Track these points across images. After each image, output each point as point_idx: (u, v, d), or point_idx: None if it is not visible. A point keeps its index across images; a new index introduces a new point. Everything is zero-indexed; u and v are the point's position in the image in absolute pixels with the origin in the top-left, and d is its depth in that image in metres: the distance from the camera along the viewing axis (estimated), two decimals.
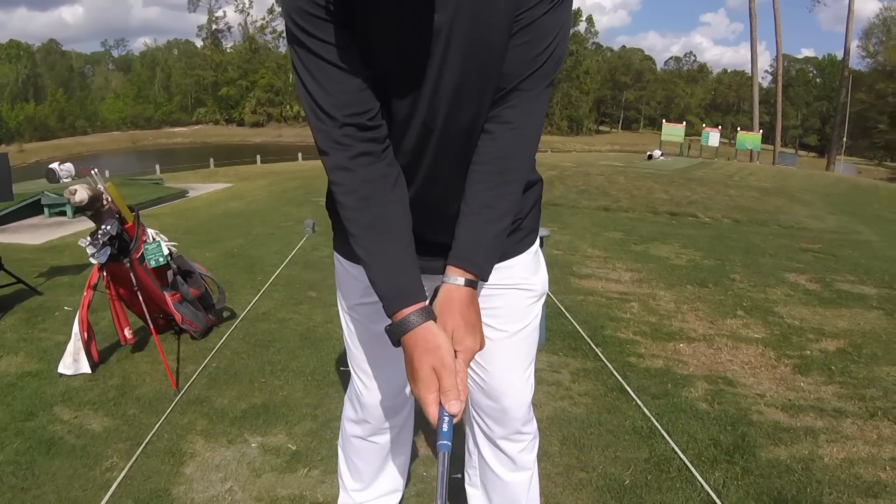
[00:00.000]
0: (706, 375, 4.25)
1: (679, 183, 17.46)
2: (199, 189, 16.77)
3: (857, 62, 67.50)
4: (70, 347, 4.23)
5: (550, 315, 5.15)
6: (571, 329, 4.96)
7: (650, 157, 34.49)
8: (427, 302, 1.43)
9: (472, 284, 1.45)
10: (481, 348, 1.47)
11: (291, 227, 9.94)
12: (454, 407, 1.33)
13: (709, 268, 7.46)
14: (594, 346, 4.60)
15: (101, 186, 4.17)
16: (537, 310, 1.86)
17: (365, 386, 1.97)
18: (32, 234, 10.41)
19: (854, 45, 60.57)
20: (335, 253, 1.86)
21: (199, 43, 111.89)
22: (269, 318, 5.35)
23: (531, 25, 1.34)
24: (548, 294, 5.29)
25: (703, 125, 54.59)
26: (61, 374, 4.21)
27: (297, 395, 3.92)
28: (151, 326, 4.24)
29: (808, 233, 10.95)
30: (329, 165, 1.40)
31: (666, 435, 3.35)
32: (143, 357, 4.53)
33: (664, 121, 51.54)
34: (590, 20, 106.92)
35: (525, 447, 1.97)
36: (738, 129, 51.65)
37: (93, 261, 4.09)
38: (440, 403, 1.35)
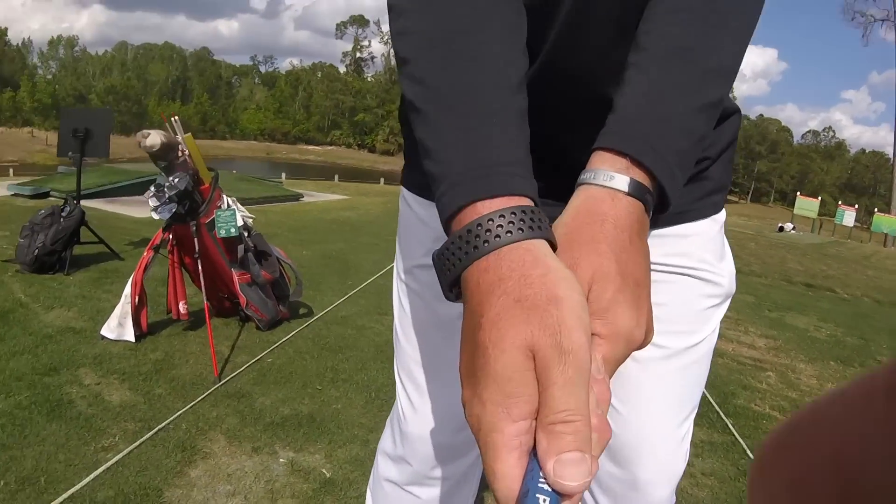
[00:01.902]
0: None
1: (813, 256, 16.20)
2: (315, 196, 16.63)
3: None
4: (118, 310, 3.84)
5: None
6: None
7: (781, 229, 32.98)
8: (537, 205, 0.62)
9: (645, 195, 0.64)
10: (647, 342, 0.62)
11: None
12: (572, 471, 0.46)
13: (852, 346, 6.52)
14: (724, 416, 3.79)
15: (178, 137, 3.71)
16: (717, 321, 1.06)
17: (411, 405, 1.19)
18: (140, 209, 10.47)
19: None
20: (402, 189, 1.15)
21: (342, 68, 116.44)
22: (348, 323, 4.77)
23: None
24: None
25: (839, 203, 52.28)
26: (103, 337, 3.84)
27: (354, 411, 3.27)
28: (206, 302, 3.71)
29: None
30: None
31: None
32: (197, 337, 4.05)
33: (799, 194, 49.64)
34: None
35: None
36: (876, 210, 49.14)
37: (154, 216, 3.65)
38: (533, 452, 0.49)
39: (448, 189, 0.60)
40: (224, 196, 3.99)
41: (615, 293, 0.58)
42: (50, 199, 11.18)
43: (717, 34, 0.70)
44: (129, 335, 3.80)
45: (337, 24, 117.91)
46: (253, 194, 13.41)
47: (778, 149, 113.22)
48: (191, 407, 3.04)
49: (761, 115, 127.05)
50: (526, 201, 0.59)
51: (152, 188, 3.61)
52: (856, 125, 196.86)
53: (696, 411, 1.10)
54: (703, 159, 0.95)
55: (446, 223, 0.61)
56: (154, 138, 3.47)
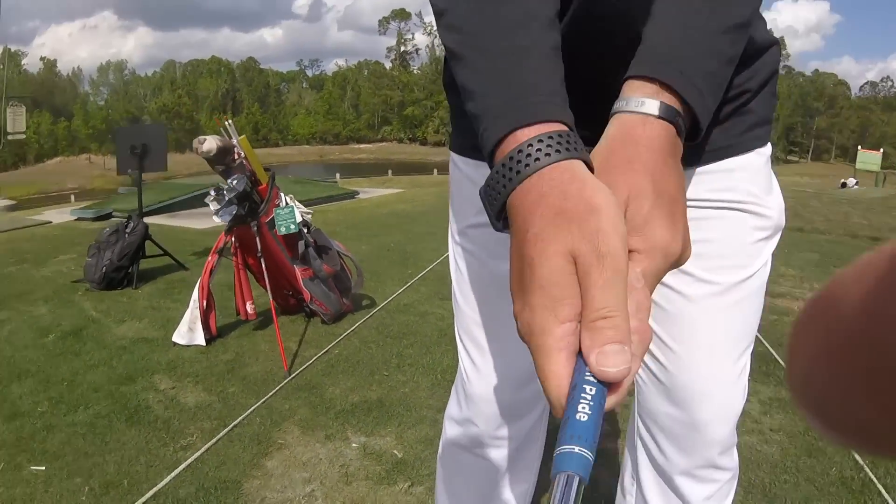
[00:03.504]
0: None
1: (879, 210, 15.56)
2: (370, 192, 16.75)
3: None
4: (187, 316, 3.97)
5: None
6: (763, 350, 4.07)
7: (844, 185, 32.01)
8: (573, 131, 0.66)
9: (676, 119, 0.68)
10: (684, 259, 0.65)
11: None
12: (615, 362, 0.51)
13: None
14: None
15: (234, 140, 3.80)
16: (767, 254, 1.08)
17: (474, 365, 1.23)
18: (202, 221, 10.74)
19: None
20: (451, 154, 1.18)
21: (388, 64, 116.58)
22: (410, 311, 4.83)
23: None
24: None
25: None
26: (175, 343, 3.97)
27: (421, 394, 3.32)
28: (271, 300, 3.80)
29: None
30: None
31: (884, 491, 2.46)
32: (265, 335, 4.16)
33: (860, 147, 48.03)
34: (781, 43, 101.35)
35: (717, 492, 1.18)
36: None
37: (216, 219, 3.75)
38: (580, 352, 0.53)
39: (490, 123, 0.66)
40: (282, 194, 4.07)
41: (651, 209, 0.62)
42: (113, 218, 11.54)
43: None
44: (200, 339, 3.93)
45: (379, 21, 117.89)
46: (310, 196, 13.55)
47: (836, 104, 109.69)
48: (263, 402, 3.13)
49: (816, 70, 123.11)
50: (561, 126, 0.63)
51: (212, 192, 3.71)
52: None
53: (751, 347, 1.11)
54: (743, 92, 0.95)
55: (490, 157, 0.66)
56: (210, 143, 3.57)
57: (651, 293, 0.59)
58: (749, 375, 1.13)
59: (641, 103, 0.67)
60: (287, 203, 4.04)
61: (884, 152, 46.21)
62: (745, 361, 1.10)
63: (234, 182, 3.66)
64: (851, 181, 33.85)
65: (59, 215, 12.40)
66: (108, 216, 11.72)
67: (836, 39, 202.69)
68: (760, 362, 3.89)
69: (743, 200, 1.00)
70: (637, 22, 0.77)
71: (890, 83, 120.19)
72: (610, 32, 0.84)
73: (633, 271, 0.58)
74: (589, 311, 0.53)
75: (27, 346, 4.13)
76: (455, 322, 1.27)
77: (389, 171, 31.95)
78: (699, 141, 0.73)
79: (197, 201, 12.39)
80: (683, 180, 0.67)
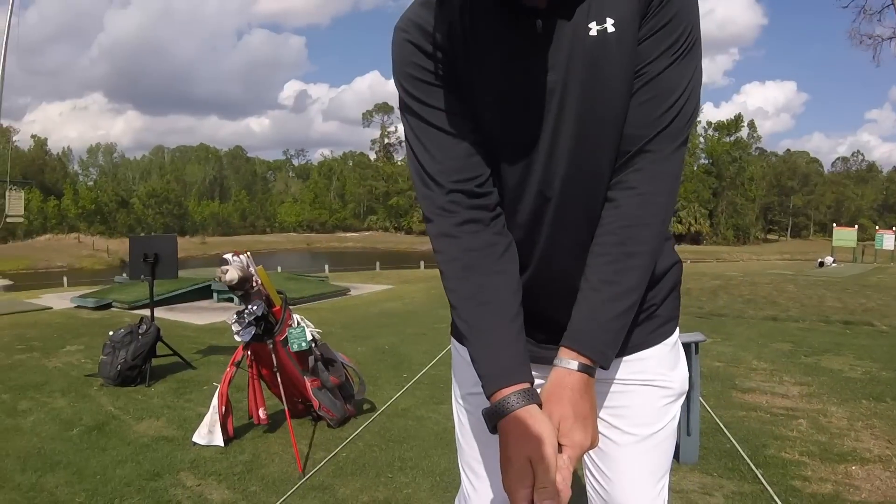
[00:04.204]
0: (882, 502, 3.70)
1: (853, 290, 16.18)
2: (361, 288, 17.22)
3: None
4: (207, 419, 4.40)
5: (706, 432, 4.72)
6: (729, 447, 4.50)
7: (821, 264, 32.41)
8: (532, 385, 1.24)
9: (588, 370, 1.23)
10: (593, 446, 1.23)
11: (444, 328, 9.75)
12: None
13: (887, 380, 6.70)
14: (754, 467, 4.13)
15: (251, 269, 4.30)
16: (674, 412, 1.56)
17: (474, 489, 1.71)
18: (199, 315, 11.40)
19: None
20: (451, 339, 1.69)
21: (372, 155, 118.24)
22: (408, 415, 5.26)
23: (654, 80, 1.22)
24: (706, 408, 5.00)
25: (877, 228, 51.13)
26: (195, 443, 4.40)
27: (422, 494, 3.74)
28: (286, 408, 4.26)
29: None
30: (433, 233, 1.32)
31: None
32: (277, 438, 4.58)
33: (835, 225, 48.89)
34: (752, 125, 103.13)
35: None
36: None
37: (237, 339, 4.24)
38: (532, 502, 1.12)
39: (485, 382, 1.25)
40: (294, 315, 4.57)
41: (572, 423, 1.20)
42: (112, 309, 12.14)
43: (628, 267, 1.27)
44: (219, 440, 4.37)
45: (363, 113, 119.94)
46: (303, 293, 14.01)
47: (810, 181, 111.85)
48: (283, 500, 3.54)
49: (788, 149, 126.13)
50: (524, 385, 1.21)
51: (234, 315, 4.21)
52: (885, 143, 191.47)
53: (668, 475, 1.58)
54: (651, 305, 1.46)
55: (487, 394, 1.25)
56: (232, 273, 4.08)
57: (572, 469, 1.18)
58: (667, 493, 1.60)
59: (568, 363, 1.23)
60: (299, 323, 4.54)
61: (859, 226, 46.92)
62: (663, 486, 1.57)
63: (254, 308, 4.16)
64: (829, 259, 34.21)
65: (58, 300, 13.02)
66: (107, 306, 12.34)
67: (805, 117, 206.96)
68: (725, 458, 4.31)
69: (653, 378, 1.50)
70: (574, 278, 1.32)
71: (861, 157, 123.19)
72: (554, 282, 1.38)
73: (562, 458, 1.15)
74: (537, 485, 1.12)
75: (53, 437, 4.60)
76: (459, 457, 1.75)
77: (377, 264, 32.42)
78: (608, 368, 1.29)
79: (193, 295, 13.25)
80: (594, 404, 1.25)
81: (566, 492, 1.12)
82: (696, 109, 1.28)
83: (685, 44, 1.24)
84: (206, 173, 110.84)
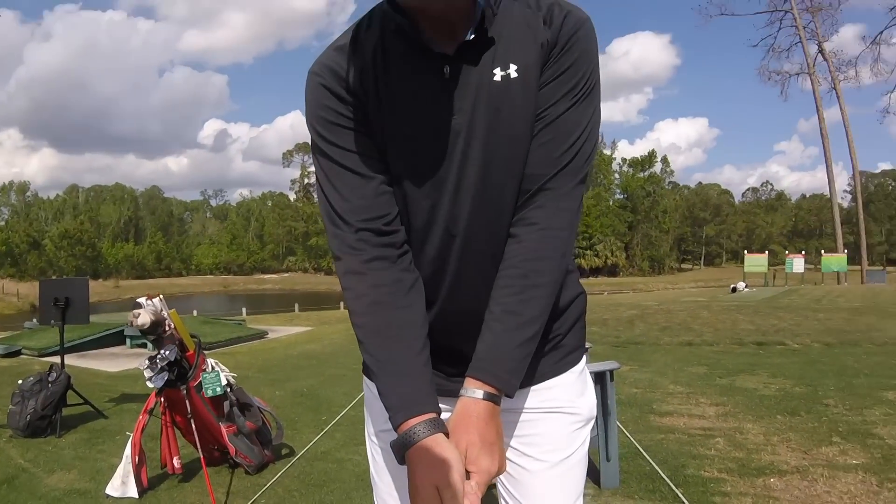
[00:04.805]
0: None
1: (765, 312, 16.68)
2: (279, 331, 17.04)
3: None
4: (120, 470, 4.23)
5: (626, 455, 4.78)
6: (649, 470, 4.57)
7: (734, 289, 33.54)
8: (439, 415, 1.26)
9: (493, 399, 1.27)
10: (500, 472, 1.27)
11: None
12: None
13: (800, 395, 6.98)
14: (674, 487, 4.19)
15: (164, 313, 4.20)
16: (584, 437, 1.59)
17: None
18: (111, 362, 11.10)
19: None
20: (364, 376, 1.69)
21: (292, 195, 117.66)
22: (328, 458, 5.16)
23: (555, 123, 1.30)
24: (624, 433, 5.08)
25: (787, 253, 53.35)
26: (108, 496, 4.21)
27: None
28: (202, 456, 4.12)
29: None
30: (342, 270, 1.36)
31: None
32: (193, 487, 4.42)
33: (746, 252, 50.74)
34: (665, 161, 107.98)
35: None
36: (823, 252, 50.21)
37: (149, 384, 4.12)
38: None
39: (392, 413, 1.25)
40: (208, 360, 4.45)
41: (479, 450, 1.21)
42: (22, 356, 11.76)
43: (530, 297, 1.30)
44: (133, 492, 4.18)
45: (284, 153, 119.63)
46: (220, 337, 13.73)
47: (721, 211, 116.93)
48: None
49: (700, 182, 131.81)
50: (431, 415, 1.23)
51: (146, 361, 4.08)
52: (793, 173, 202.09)
53: (581, 499, 1.58)
54: (557, 335, 1.50)
55: (394, 426, 1.25)
56: (144, 317, 3.97)
57: (482, 493, 1.18)
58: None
59: (474, 392, 1.26)
60: (213, 367, 4.42)
61: (770, 252, 48.84)
62: None
63: (167, 353, 4.04)
64: (741, 285, 35.38)
65: None
66: (17, 353, 11.99)
67: (716, 151, 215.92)
68: (646, 480, 4.38)
69: (561, 406, 1.52)
70: (479, 312, 1.34)
71: (770, 186, 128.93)
72: (461, 316, 1.40)
73: (470, 484, 1.17)
74: None
75: None
76: (374, 492, 1.72)
77: (296, 306, 32.09)
78: (513, 396, 1.31)
79: (104, 342, 12.91)
80: (500, 431, 1.27)
81: None
82: (594, 148, 1.35)
83: (584, 88, 1.31)
84: (122, 214, 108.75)
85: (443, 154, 1.31)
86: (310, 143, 1.39)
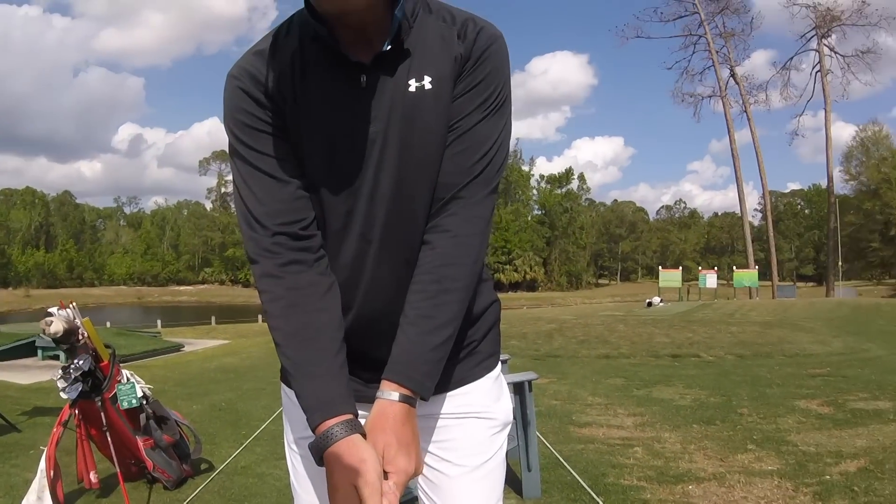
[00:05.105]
0: None
1: (680, 326, 17.23)
2: (195, 344, 16.72)
3: (841, 187, 69.28)
4: (35, 485, 4.06)
5: (547, 466, 4.85)
6: (570, 479, 4.64)
7: (650, 304, 34.42)
8: (356, 416, 1.29)
9: (408, 401, 1.30)
10: (417, 473, 1.29)
11: None
12: None
13: (715, 405, 7.20)
14: (595, 496, 4.27)
15: (77, 321, 4.07)
16: (501, 441, 1.63)
17: None
18: (23, 374, 10.69)
19: (836, 171, 62.89)
20: (281, 384, 1.68)
21: (208, 205, 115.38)
22: (248, 473, 5.07)
23: (467, 134, 1.35)
24: (545, 444, 5.14)
25: (700, 268, 55.20)
26: None
27: None
28: (119, 470, 4.00)
29: (814, 358, 10.78)
30: (258, 274, 1.37)
31: None
32: (110, 503, 4.31)
33: (661, 268, 52.22)
34: (582, 178, 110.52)
35: None
36: (735, 268, 52.05)
37: (63, 395, 4.00)
38: None
39: (310, 415, 1.26)
40: (123, 371, 4.32)
41: (396, 451, 1.23)
42: None
43: (443, 302, 1.34)
44: None
45: (200, 161, 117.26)
46: (134, 349, 13.37)
47: (637, 228, 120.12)
48: None
49: (616, 199, 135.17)
50: (348, 416, 1.24)
51: (59, 371, 3.96)
52: (706, 192, 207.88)
53: (501, 500, 1.61)
54: (472, 341, 1.53)
55: (312, 429, 1.26)
56: (56, 325, 3.84)
57: (400, 492, 1.22)
58: None
59: (390, 394, 1.28)
60: (128, 379, 4.30)
61: (684, 268, 50.33)
62: None
63: (80, 362, 3.91)
64: (657, 300, 36.33)
65: None
66: None
67: (631, 169, 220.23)
68: (567, 490, 4.45)
69: (477, 411, 1.55)
70: (394, 317, 1.37)
71: (683, 204, 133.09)
72: (377, 321, 1.43)
73: (388, 484, 1.19)
74: None
75: None
76: (294, 502, 1.71)
77: (213, 318, 31.50)
78: (428, 399, 1.34)
79: (16, 352, 12.52)
80: (416, 432, 1.30)
81: None
82: (505, 159, 1.40)
83: (496, 101, 1.36)
84: (32, 219, 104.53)
85: (358, 161, 1.34)
86: (227, 146, 1.40)
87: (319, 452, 1.22)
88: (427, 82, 1.33)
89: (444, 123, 1.34)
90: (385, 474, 1.20)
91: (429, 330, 1.33)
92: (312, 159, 1.35)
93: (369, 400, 1.33)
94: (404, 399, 1.29)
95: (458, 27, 1.36)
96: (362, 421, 1.29)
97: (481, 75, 1.35)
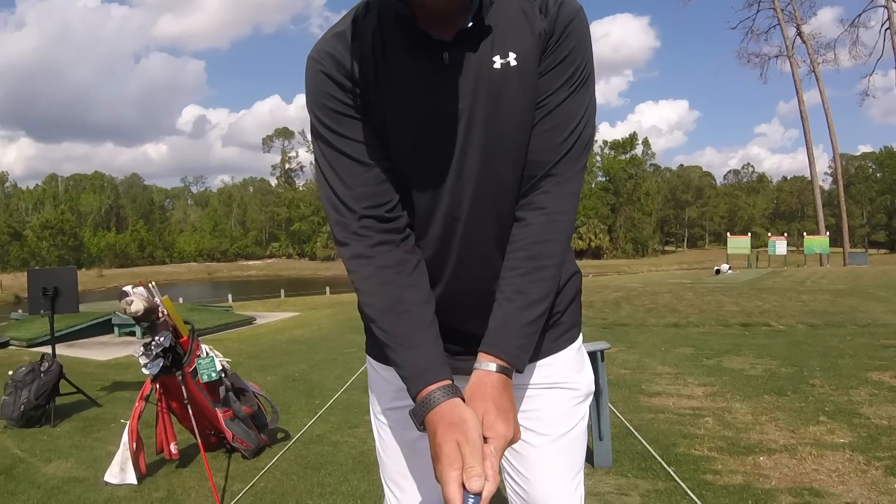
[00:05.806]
0: (790, 488, 3.88)
1: (749, 294, 16.90)
2: (266, 317, 17.02)
3: None
4: (118, 457, 4.24)
5: (618, 435, 4.85)
6: (641, 449, 4.64)
7: (718, 271, 33.80)
8: (453, 382, 1.31)
9: (505, 371, 1.32)
10: (515, 439, 1.30)
11: (354, 353, 9.84)
12: (476, 483, 1.13)
13: (786, 375, 7.05)
14: (666, 466, 4.27)
15: (157, 299, 4.20)
16: (583, 412, 1.66)
17: (397, 501, 1.75)
18: (101, 351, 11.09)
19: None
20: (367, 356, 1.74)
21: (273, 181, 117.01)
22: (324, 441, 5.20)
23: (555, 111, 1.34)
24: (615, 413, 5.14)
25: (769, 235, 53.86)
26: (107, 483, 4.22)
27: None
28: (199, 441, 4.14)
29: (887, 328, 10.39)
30: (347, 255, 1.38)
31: None
32: (191, 472, 4.45)
33: (729, 234, 51.14)
34: (646, 143, 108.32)
35: None
36: (805, 234, 50.70)
37: (145, 371, 4.13)
38: (463, 484, 1.15)
39: (409, 383, 1.30)
40: (203, 345, 4.46)
41: (495, 417, 1.25)
42: (10, 347, 11.68)
43: (538, 278, 1.36)
44: (132, 478, 4.20)
45: (263, 139, 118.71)
46: (207, 324, 13.68)
47: (704, 194, 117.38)
48: None
49: (681, 164, 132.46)
50: (446, 382, 1.27)
51: (141, 348, 4.10)
52: (774, 155, 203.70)
53: (582, 471, 1.65)
54: (556, 313, 1.55)
55: (413, 396, 1.29)
56: (137, 304, 3.98)
57: (500, 458, 1.23)
58: (583, 490, 1.65)
59: (487, 365, 1.31)
60: (207, 353, 4.44)
61: (752, 234, 49.19)
62: (579, 481, 1.63)
63: (161, 339, 4.05)
64: (725, 267, 35.61)
65: None
66: (5, 344, 11.89)
67: (697, 133, 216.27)
68: (638, 459, 4.44)
69: (560, 381, 1.58)
70: (482, 292, 1.41)
71: (751, 169, 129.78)
72: (464, 296, 1.46)
73: (488, 448, 1.20)
74: (465, 467, 1.15)
75: None
76: (381, 471, 1.78)
77: (282, 291, 32.00)
78: (523, 371, 1.37)
79: (93, 331, 12.93)
80: (513, 400, 1.32)
81: (494, 477, 1.17)
82: (592, 134, 1.41)
83: (581, 76, 1.35)
84: (102, 203, 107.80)
85: (444, 140, 1.34)
86: (299, 126, 1.44)
87: (421, 417, 1.25)
88: (512, 59, 1.31)
89: (530, 101, 1.33)
90: (485, 440, 1.22)
91: (524, 305, 1.35)
92: (398, 140, 1.35)
93: (458, 371, 1.37)
94: (501, 370, 1.31)
95: (539, 2, 1.34)
96: None
97: (566, 51, 1.34)
